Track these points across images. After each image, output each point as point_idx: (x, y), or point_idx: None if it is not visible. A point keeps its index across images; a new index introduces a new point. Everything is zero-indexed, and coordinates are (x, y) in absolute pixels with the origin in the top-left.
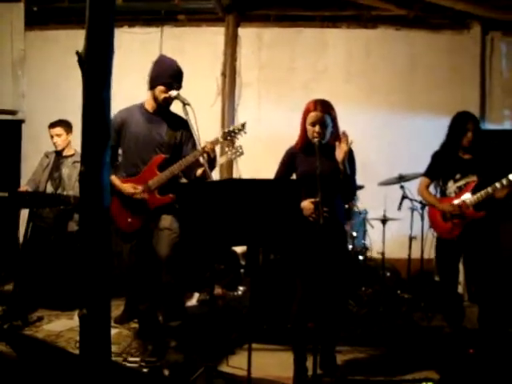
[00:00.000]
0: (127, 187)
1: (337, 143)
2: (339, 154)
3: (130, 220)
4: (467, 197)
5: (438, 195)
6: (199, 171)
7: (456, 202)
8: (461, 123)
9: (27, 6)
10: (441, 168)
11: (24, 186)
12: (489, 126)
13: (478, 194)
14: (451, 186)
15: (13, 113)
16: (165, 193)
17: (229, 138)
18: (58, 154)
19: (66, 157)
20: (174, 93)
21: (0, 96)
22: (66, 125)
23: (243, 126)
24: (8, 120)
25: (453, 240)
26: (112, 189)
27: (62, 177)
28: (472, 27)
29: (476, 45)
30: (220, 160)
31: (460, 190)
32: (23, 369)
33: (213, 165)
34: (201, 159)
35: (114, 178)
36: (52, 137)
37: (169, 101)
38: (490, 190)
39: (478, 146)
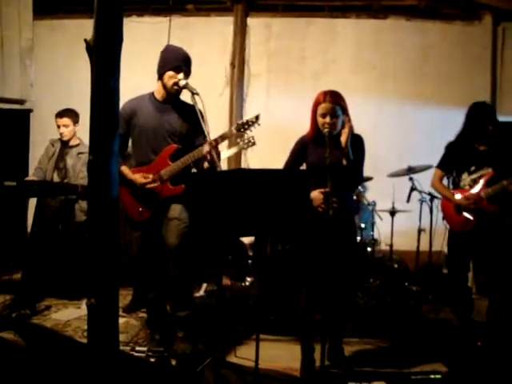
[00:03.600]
0: (138, 177)
1: (342, 130)
2: (342, 138)
3: (140, 209)
4: (482, 189)
5: (451, 187)
6: (206, 165)
7: (471, 192)
8: (481, 114)
9: None
10: (455, 160)
11: (30, 176)
12: (500, 117)
13: (493, 187)
14: (465, 179)
15: (21, 102)
16: (177, 183)
17: (242, 129)
18: (64, 144)
19: (71, 147)
20: (182, 82)
21: (8, 85)
22: (74, 115)
23: (257, 118)
24: (16, 109)
25: (466, 233)
26: (122, 178)
27: (66, 167)
28: (483, 18)
29: (487, 35)
30: (232, 150)
31: (474, 183)
32: (32, 357)
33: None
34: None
35: (125, 168)
36: (59, 127)
37: (178, 86)
38: (505, 182)
39: (494, 138)
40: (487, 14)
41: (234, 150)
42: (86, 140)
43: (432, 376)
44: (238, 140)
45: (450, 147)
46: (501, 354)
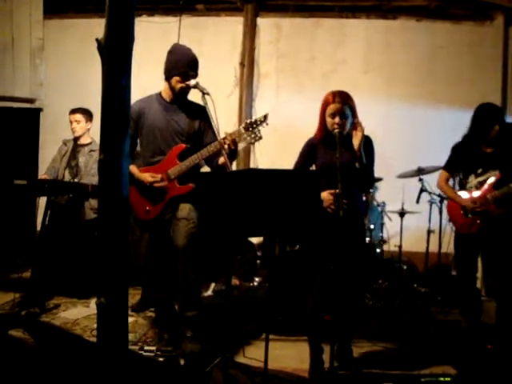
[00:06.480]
0: (146, 176)
1: (353, 132)
2: (355, 141)
3: (147, 208)
4: (488, 192)
5: (457, 188)
6: (221, 159)
7: (477, 196)
8: (488, 115)
9: None
10: (461, 161)
11: (43, 173)
12: (510, 119)
13: (500, 190)
14: (472, 181)
15: (31, 101)
16: (184, 182)
17: (250, 129)
18: (76, 143)
19: (83, 145)
20: (192, 82)
21: (18, 84)
22: (87, 113)
23: (265, 117)
24: (26, 108)
25: (472, 235)
26: (130, 177)
27: (78, 165)
28: (495, 18)
29: (498, 36)
30: (239, 146)
31: (481, 185)
32: (41, 355)
33: (233, 156)
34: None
35: (133, 167)
36: (71, 123)
37: (186, 90)
38: None
39: (501, 140)
40: (499, 15)
41: (241, 146)
42: (98, 140)
43: (441, 379)
44: (245, 135)
45: (457, 149)
46: (510, 357)
